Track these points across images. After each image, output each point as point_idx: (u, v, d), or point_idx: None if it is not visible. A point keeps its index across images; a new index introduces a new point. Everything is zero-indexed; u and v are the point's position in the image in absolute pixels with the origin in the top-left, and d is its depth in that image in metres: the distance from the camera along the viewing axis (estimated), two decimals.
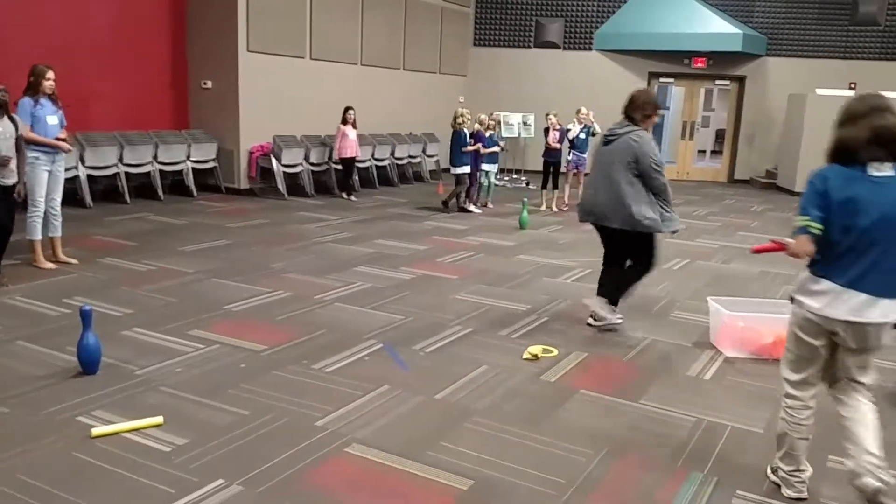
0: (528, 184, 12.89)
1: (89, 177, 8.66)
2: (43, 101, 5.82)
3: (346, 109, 10.42)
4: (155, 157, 9.51)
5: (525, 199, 9.22)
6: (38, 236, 5.95)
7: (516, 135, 13.38)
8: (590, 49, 14.61)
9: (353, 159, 10.62)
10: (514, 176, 13.40)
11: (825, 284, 2.72)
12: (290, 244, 7.35)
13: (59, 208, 6.05)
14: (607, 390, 3.99)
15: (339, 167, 10.80)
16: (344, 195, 10.61)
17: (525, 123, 13.50)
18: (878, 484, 2.65)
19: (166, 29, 10.10)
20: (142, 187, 9.54)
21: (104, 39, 9.26)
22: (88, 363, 3.89)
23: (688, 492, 3.00)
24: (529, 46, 14.89)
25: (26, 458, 3.02)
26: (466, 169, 9.59)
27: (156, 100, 10.09)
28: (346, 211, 9.54)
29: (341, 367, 4.17)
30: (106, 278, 5.75)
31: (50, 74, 5.81)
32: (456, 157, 9.53)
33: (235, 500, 2.80)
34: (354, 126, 10.48)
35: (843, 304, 2.68)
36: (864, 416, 2.77)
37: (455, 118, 9.56)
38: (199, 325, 4.75)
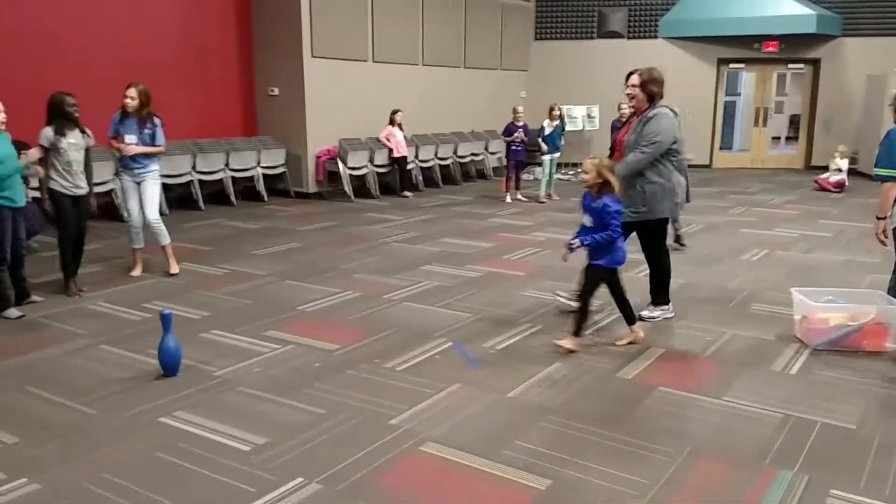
0: None
1: (165, 185, 8.94)
2: (130, 119, 5.85)
3: (395, 112, 10.70)
4: (227, 164, 9.76)
5: None
6: (133, 245, 6.13)
7: (580, 128, 13.19)
8: (655, 37, 14.26)
9: (404, 158, 10.85)
10: (579, 170, 13.19)
11: None
12: (359, 245, 7.41)
13: (154, 220, 6.00)
14: (687, 387, 3.86)
15: (397, 167, 10.99)
16: (405, 194, 10.78)
17: (590, 116, 13.29)
18: None
19: (234, 39, 10.34)
20: (215, 194, 9.80)
21: (175, 52, 9.56)
22: (169, 365, 4.00)
23: (777, 491, 2.86)
24: (592, 37, 14.64)
25: (112, 459, 3.12)
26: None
27: (226, 108, 10.35)
28: (411, 210, 9.58)
29: (412, 365, 4.17)
30: (183, 283, 5.92)
31: (129, 92, 5.82)
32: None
33: (314, 498, 2.81)
34: (401, 128, 10.77)
35: None
36: None
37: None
38: (274, 326, 4.83)
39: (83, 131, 5.47)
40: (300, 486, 2.89)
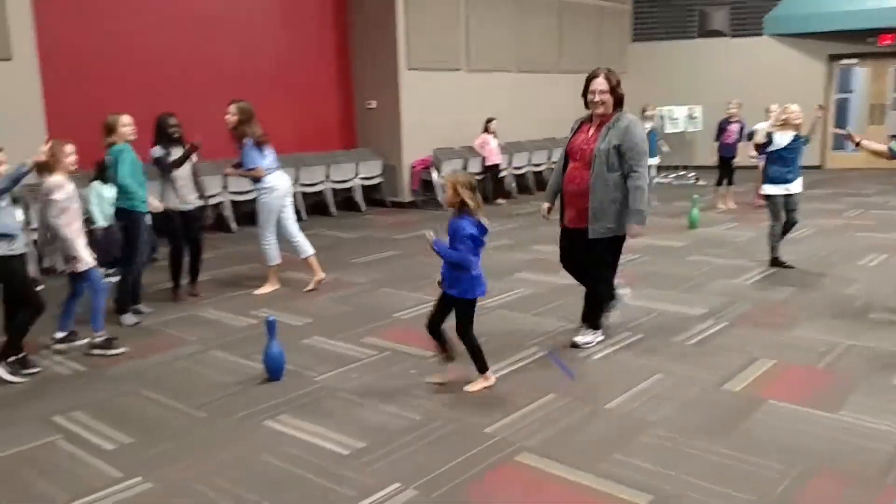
0: (697, 180, 12.24)
1: None
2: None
3: (489, 120, 10.77)
4: (327, 176, 10.05)
5: (696, 197, 8.76)
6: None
7: (681, 129, 12.80)
8: (760, 34, 13.68)
9: (497, 166, 10.90)
10: (681, 173, 12.78)
11: None
12: None
13: (261, 239, 6.01)
14: (800, 400, 3.65)
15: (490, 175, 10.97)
16: (498, 201, 10.82)
17: (691, 117, 12.89)
18: None
19: (333, 55, 10.66)
20: (315, 205, 10.11)
21: (278, 69, 9.92)
22: (274, 370, 4.14)
23: None
24: (693, 37, 14.20)
25: (221, 460, 3.25)
26: None
27: (326, 122, 10.68)
28: (504, 218, 9.54)
29: (506, 374, 4.14)
30: (287, 290, 6.12)
31: (229, 108, 5.76)
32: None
33: None
34: (495, 136, 10.82)
35: None
36: None
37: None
38: (372, 333, 4.92)
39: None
40: (398, 492, 2.91)
